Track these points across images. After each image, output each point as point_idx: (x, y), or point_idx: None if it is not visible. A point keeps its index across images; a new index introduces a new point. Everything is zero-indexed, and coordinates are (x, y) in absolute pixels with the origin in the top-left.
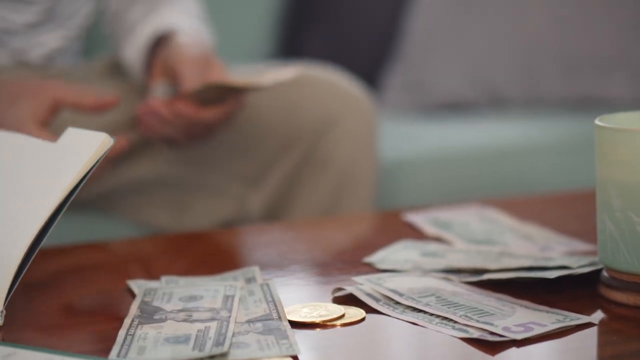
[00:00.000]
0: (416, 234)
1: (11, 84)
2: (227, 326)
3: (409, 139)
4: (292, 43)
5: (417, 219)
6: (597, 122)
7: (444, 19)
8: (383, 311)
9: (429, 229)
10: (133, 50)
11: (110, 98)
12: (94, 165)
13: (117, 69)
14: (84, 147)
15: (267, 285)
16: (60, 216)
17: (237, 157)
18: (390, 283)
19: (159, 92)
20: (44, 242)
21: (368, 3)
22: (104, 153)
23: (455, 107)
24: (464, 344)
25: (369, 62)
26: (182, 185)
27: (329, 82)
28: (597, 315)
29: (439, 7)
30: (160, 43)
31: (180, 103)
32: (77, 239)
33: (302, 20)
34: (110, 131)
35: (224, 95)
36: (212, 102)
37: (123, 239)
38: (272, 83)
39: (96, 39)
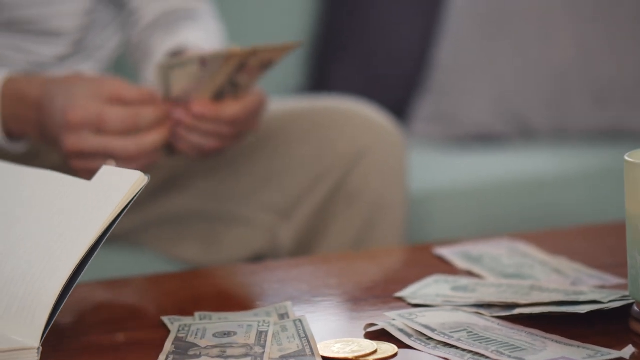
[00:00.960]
0: (447, 267)
1: (76, 74)
2: None
3: (438, 170)
4: (321, 76)
5: (448, 252)
6: (626, 157)
7: (472, 49)
8: (415, 347)
9: (459, 262)
10: (151, 70)
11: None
12: (129, 203)
13: None
14: (119, 185)
15: (300, 321)
16: (96, 253)
17: (268, 189)
18: (422, 318)
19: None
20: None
21: (397, 35)
22: (139, 191)
23: (483, 138)
24: None
25: (398, 93)
26: (213, 218)
27: (358, 114)
28: (628, 350)
29: (467, 38)
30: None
31: (195, 104)
32: (108, 273)
33: (331, 52)
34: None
35: (242, 79)
36: (227, 92)
37: (155, 273)
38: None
39: (125, 70)
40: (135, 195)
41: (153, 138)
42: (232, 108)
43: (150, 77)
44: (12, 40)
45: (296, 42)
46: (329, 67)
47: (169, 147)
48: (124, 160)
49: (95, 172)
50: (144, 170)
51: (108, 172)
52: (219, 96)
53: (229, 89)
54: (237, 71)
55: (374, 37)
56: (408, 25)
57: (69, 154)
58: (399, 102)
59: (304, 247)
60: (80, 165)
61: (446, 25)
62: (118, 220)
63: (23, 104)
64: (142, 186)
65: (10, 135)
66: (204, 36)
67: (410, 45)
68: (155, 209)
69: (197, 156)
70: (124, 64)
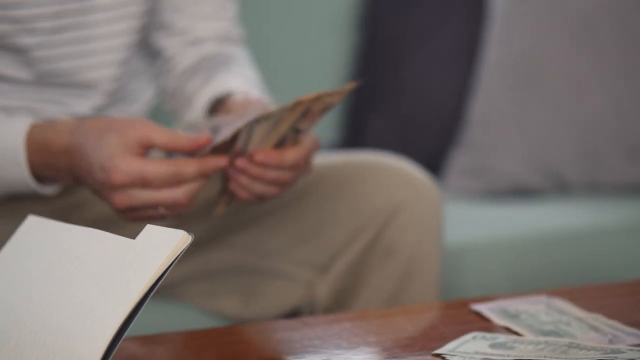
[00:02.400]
0: (484, 324)
1: (99, 120)
2: None
3: (473, 223)
4: (356, 130)
5: (485, 308)
6: None
7: (505, 104)
8: None
9: (497, 319)
10: (192, 118)
11: (204, 137)
12: (172, 262)
13: None
14: (162, 244)
15: None
16: (139, 313)
17: (306, 243)
18: None
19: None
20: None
21: (431, 89)
22: (183, 250)
23: (518, 192)
24: None
25: (433, 147)
26: (252, 273)
27: (394, 168)
28: None
29: (500, 92)
30: (218, 107)
31: (259, 154)
32: (145, 326)
33: (366, 107)
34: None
35: (302, 124)
36: (289, 138)
37: (193, 329)
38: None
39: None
40: (179, 255)
41: (197, 186)
42: (293, 154)
43: (188, 126)
44: (46, 94)
45: (354, 84)
46: (364, 121)
47: (230, 197)
48: (173, 208)
49: (147, 221)
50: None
51: (152, 231)
52: (281, 143)
53: (291, 136)
54: (301, 118)
55: (409, 92)
56: (443, 79)
57: (119, 211)
58: (433, 156)
59: (340, 301)
60: (131, 217)
61: (479, 80)
62: (162, 280)
63: (49, 152)
64: (185, 245)
65: (42, 179)
66: (243, 81)
67: (444, 100)
68: (194, 263)
69: (256, 203)
70: (162, 112)
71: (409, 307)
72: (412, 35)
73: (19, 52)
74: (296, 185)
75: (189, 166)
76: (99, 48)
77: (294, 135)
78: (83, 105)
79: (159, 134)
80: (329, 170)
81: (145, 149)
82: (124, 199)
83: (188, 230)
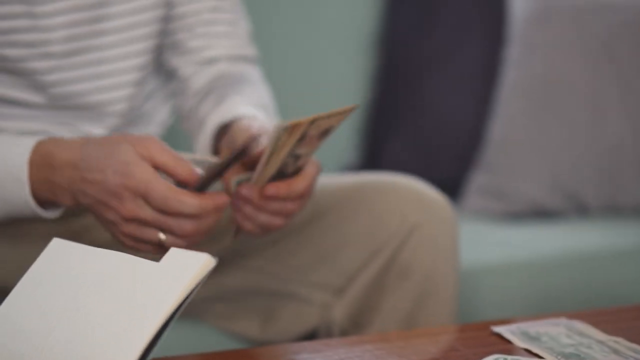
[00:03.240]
0: (505, 346)
1: (111, 135)
2: None
3: (490, 244)
4: (373, 152)
5: (506, 330)
6: None
7: (523, 125)
8: None
9: (518, 341)
10: (202, 145)
11: (198, 175)
12: (197, 285)
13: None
14: (187, 267)
15: None
16: (163, 336)
17: (322, 266)
18: None
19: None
20: None
21: (449, 111)
22: (207, 274)
23: (536, 214)
24: None
25: (451, 168)
26: (270, 295)
27: (408, 189)
28: None
29: (518, 113)
30: (223, 135)
31: (271, 188)
32: (164, 347)
33: (384, 129)
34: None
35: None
36: (286, 166)
37: (214, 351)
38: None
39: (180, 138)
40: (203, 278)
41: (209, 222)
42: (301, 184)
43: (203, 149)
44: (61, 117)
45: (353, 106)
46: (382, 143)
47: (236, 229)
48: (178, 237)
49: (144, 243)
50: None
51: (176, 254)
52: (281, 169)
53: (291, 162)
54: (299, 143)
55: (428, 114)
56: (462, 101)
57: (125, 219)
58: (452, 178)
59: (357, 322)
60: (131, 231)
61: (498, 102)
62: (186, 303)
63: (52, 167)
64: (209, 268)
65: (42, 202)
66: (252, 104)
67: (463, 121)
68: (212, 285)
69: (261, 235)
70: (178, 132)
71: (429, 329)
72: (430, 56)
73: (32, 76)
74: (307, 209)
75: (190, 198)
76: (112, 70)
77: (294, 161)
78: (97, 127)
79: (163, 155)
80: (345, 192)
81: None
82: (134, 207)
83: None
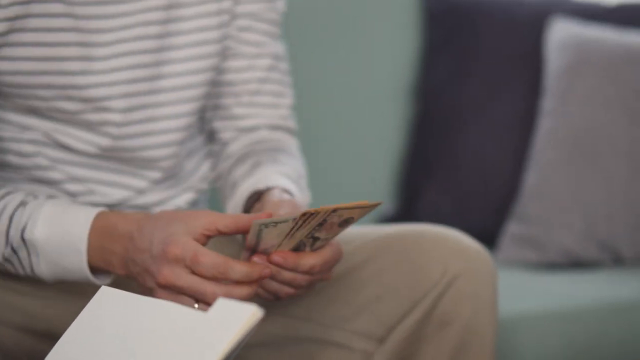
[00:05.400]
0: None
1: (170, 211)
2: None
3: (527, 293)
4: (411, 202)
5: None
6: None
7: (559, 175)
8: None
9: None
10: (233, 209)
11: (265, 213)
12: (245, 336)
13: None
14: (234, 318)
15: None
16: None
17: (362, 315)
18: None
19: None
20: None
21: (486, 159)
22: (254, 325)
23: (572, 264)
24: None
25: (488, 217)
26: (309, 343)
27: (449, 240)
28: None
29: (553, 163)
30: (254, 203)
31: (276, 254)
32: None
33: (420, 177)
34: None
35: (320, 234)
36: (304, 246)
37: None
38: (372, 203)
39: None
40: (251, 329)
41: (241, 292)
42: (310, 260)
43: (233, 212)
44: (109, 166)
45: (375, 203)
46: (419, 192)
47: (273, 294)
48: (211, 303)
49: None
50: None
51: (223, 305)
52: (298, 248)
53: (308, 242)
54: (319, 227)
55: (464, 163)
56: (498, 150)
57: (160, 285)
58: (488, 227)
59: None
60: (167, 298)
61: (534, 152)
62: (234, 354)
63: (110, 235)
64: (256, 320)
65: (95, 268)
66: (286, 176)
67: (500, 171)
68: (255, 332)
69: (270, 300)
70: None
71: None
72: (466, 106)
73: (88, 128)
74: (347, 259)
75: (239, 264)
76: (163, 128)
77: (312, 242)
78: (140, 180)
79: (224, 219)
80: (385, 242)
81: (209, 237)
82: (170, 273)
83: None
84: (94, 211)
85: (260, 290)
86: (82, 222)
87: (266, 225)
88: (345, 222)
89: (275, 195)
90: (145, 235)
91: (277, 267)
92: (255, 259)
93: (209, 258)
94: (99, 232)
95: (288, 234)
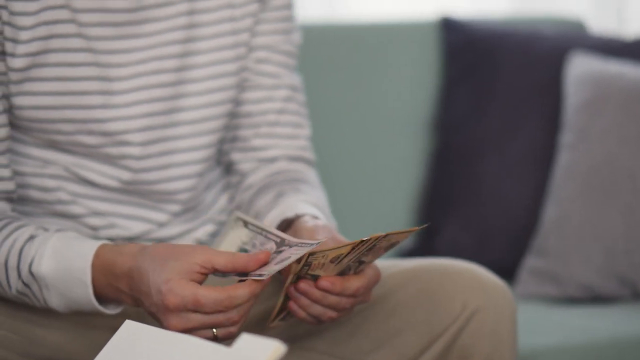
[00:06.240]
0: None
1: (163, 246)
2: None
3: (547, 328)
4: (430, 235)
5: None
6: None
7: (580, 209)
8: None
9: None
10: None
11: (262, 254)
12: None
13: None
14: (257, 354)
15: None
16: None
17: (383, 349)
18: None
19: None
20: None
21: (506, 193)
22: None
23: (591, 298)
24: None
25: (507, 251)
26: None
27: (469, 274)
28: None
29: (575, 198)
30: (284, 231)
31: (325, 281)
32: None
33: (440, 212)
34: (256, 315)
35: (364, 258)
36: (349, 269)
37: None
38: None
39: None
40: None
41: (251, 304)
42: (356, 284)
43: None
44: (128, 199)
45: (423, 226)
46: (438, 226)
47: (287, 313)
48: (228, 326)
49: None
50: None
51: (246, 340)
52: (343, 272)
53: (354, 266)
54: (366, 252)
55: (483, 197)
56: (517, 184)
57: (176, 329)
58: (508, 261)
59: None
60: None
61: (554, 186)
62: None
63: (113, 274)
64: (280, 355)
65: (105, 299)
66: (311, 204)
67: (519, 205)
68: None
69: (313, 324)
70: None
71: None
72: (486, 140)
73: (108, 162)
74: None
75: (240, 290)
76: (182, 161)
77: (357, 265)
78: (160, 213)
79: (220, 257)
80: (405, 276)
81: (206, 275)
82: (179, 321)
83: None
84: (94, 246)
85: (304, 315)
86: (83, 258)
87: (314, 254)
88: (391, 246)
89: (309, 221)
90: (143, 276)
91: (323, 292)
92: (302, 285)
93: (211, 299)
94: (101, 270)
95: (338, 260)
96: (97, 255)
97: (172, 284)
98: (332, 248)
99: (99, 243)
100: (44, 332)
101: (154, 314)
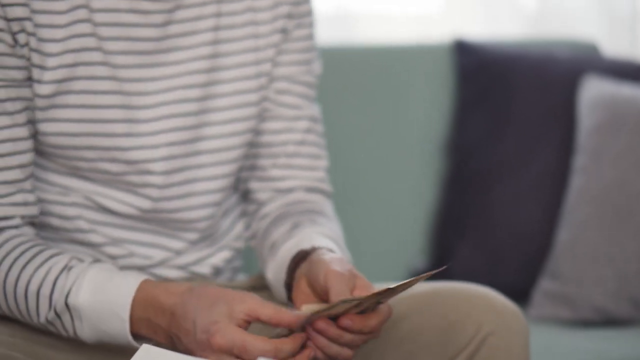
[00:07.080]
0: None
1: (213, 289)
2: None
3: (560, 352)
4: (443, 259)
5: None
6: None
7: (593, 233)
8: None
9: None
10: (275, 269)
11: (303, 315)
12: None
13: (262, 287)
14: None
15: None
16: None
17: None
18: None
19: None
20: None
21: (519, 217)
22: None
23: (604, 321)
24: None
25: (520, 274)
26: None
27: (482, 298)
28: None
29: (588, 222)
30: (300, 262)
31: (346, 319)
32: None
33: (453, 235)
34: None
35: (373, 302)
36: (366, 310)
37: None
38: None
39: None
40: None
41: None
42: (375, 321)
43: (274, 275)
44: (146, 230)
45: (440, 269)
46: (451, 249)
47: (334, 356)
48: None
49: None
50: None
51: None
52: (362, 310)
53: (372, 306)
54: (386, 294)
55: (496, 220)
56: (530, 208)
57: None
58: (519, 284)
59: None
60: None
61: (567, 209)
62: None
63: (154, 309)
64: None
65: (138, 336)
66: (327, 236)
67: (532, 228)
68: None
69: None
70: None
71: None
72: (500, 163)
73: (129, 190)
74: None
75: (288, 345)
76: (202, 190)
77: (375, 305)
78: (177, 241)
79: (265, 309)
80: (419, 300)
81: (249, 322)
82: None
83: None
84: (137, 281)
85: (321, 355)
86: (125, 292)
87: (345, 302)
88: (406, 288)
89: (325, 254)
90: (189, 314)
91: (340, 331)
92: (320, 323)
93: (258, 347)
94: (142, 305)
95: (361, 304)
96: (140, 289)
97: (221, 325)
98: (363, 297)
99: (141, 278)
100: (57, 354)
101: (191, 352)
